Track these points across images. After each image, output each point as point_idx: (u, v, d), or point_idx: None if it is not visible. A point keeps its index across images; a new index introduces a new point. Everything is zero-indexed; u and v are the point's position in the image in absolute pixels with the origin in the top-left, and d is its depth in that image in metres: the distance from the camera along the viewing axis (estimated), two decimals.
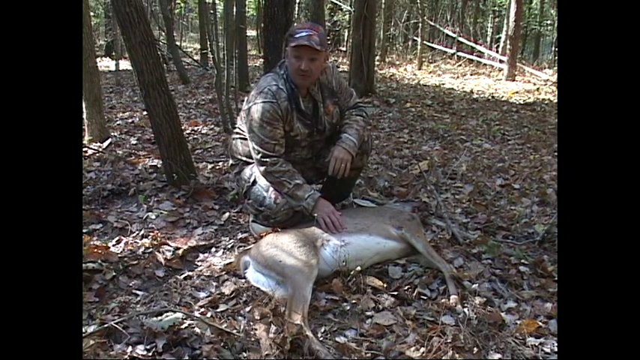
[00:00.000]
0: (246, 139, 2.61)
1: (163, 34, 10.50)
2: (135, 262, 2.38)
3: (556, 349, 1.77)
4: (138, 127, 5.35)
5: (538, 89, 9.25)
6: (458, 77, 10.97)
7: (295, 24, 2.46)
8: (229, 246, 2.62)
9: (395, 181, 3.61)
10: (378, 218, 2.47)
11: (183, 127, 3.73)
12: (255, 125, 2.43)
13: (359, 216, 2.51)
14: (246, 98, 2.71)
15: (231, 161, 2.88)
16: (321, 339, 1.85)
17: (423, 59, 12.83)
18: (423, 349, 1.77)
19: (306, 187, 2.45)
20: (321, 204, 2.42)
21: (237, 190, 3.14)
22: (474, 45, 13.90)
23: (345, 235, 2.33)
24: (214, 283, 2.26)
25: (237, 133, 2.74)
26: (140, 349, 1.76)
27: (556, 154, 4.36)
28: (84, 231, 2.69)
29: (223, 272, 2.35)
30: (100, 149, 4.22)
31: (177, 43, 10.56)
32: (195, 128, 5.23)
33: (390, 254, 2.39)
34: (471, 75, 11.38)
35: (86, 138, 4.43)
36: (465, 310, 1.99)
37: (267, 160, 2.43)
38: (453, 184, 3.61)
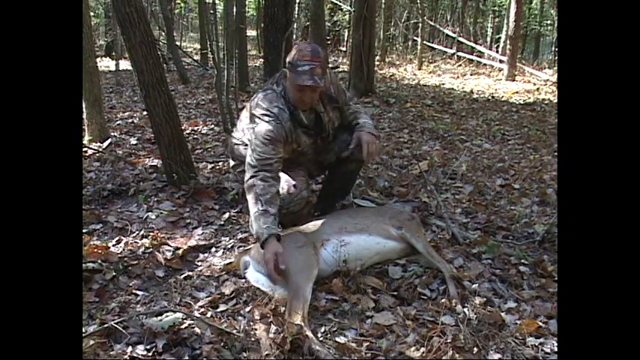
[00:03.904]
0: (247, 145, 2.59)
1: (163, 34, 10.50)
2: (135, 262, 2.38)
3: (556, 349, 1.77)
4: (138, 127, 5.34)
5: (538, 89, 9.25)
6: (458, 77, 10.97)
7: (296, 49, 2.42)
8: (229, 246, 2.62)
9: (395, 181, 3.61)
10: (378, 218, 2.47)
11: (183, 127, 3.74)
12: (257, 143, 2.39)
13: (359, 216, 2.51)
14: (245, 110, 2.70)
15: (232, 162, 2.89)
16: (321, 339, 1.85)
17: (423, 59, 12.83)
18: (423, 349, 1.78)
19: (273, 220, 2.27)
20: (273, 242, 2.20)
21: (237, 189, 3.14)
22: (474, 45, 13.90)
23: (345, 235, 2.32)
24: (214, 283, 2.26)
25: (238, 141, 2.73)
26: (140, 349, 1.76)
27: (556, 154, 4.36)
28: (84, 231, 2.69)
29: (223, 272, 2.35)
30: (100, 149, 4.22)
31: (177, 43, 10.55)
32: (195, 128, 5.23)
33: (390, 254, 2.39)
34: (471, 75, 11.38)
35: (86, 138, 4.43)
36: (465, 310, 1.99)
37: (260, 174, 2.34)
38: (453, 184, 3.61)
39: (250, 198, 2.31)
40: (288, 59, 2.42)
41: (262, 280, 2.19)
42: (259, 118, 2.43)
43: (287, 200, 2.54)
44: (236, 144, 2.76)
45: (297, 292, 2.01)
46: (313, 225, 2.43)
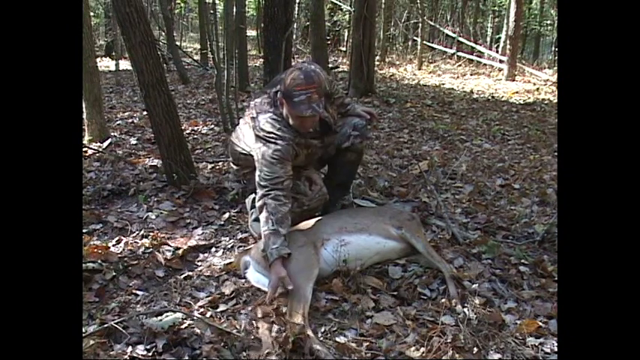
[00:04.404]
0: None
1: (163, 34, 10.49)
2: (135, 262, 2.38)
3: (556, 349, 1.77)
4: (138, 127, 5.34)
5: (538, 89, 9.24)
6: (458, 77, 10.97)
7: (289, 77, 2.36)
8: (229, 246, 2.63)
9: (395, 181, 3.61)
10: (378, 218, 2.47)
11: (183, 127, 3.74)
12: (265, 163, 2.37)
13: (359, 216, 2.51)
14: (244, 122, 2.68)
15: (234, 166, 2.89)
16: (321, 339, 1.85)
17: (423, 59, 12.82)
18: (423, 349, 1.78)
19: (283, 241, 2.22)
20: (279, 265, 2.15)
21: (237, 189, 3.14)
22: (474, 45, 13.89)
23: (345, 235, 2.32)
24: (214, 283, 2.26)
25: (243, 151, 2.71)
26: (140, 349, 1.76)
27: (556, 154, 4.36)
28: (84, 231, 2.69)
29: (223, 272, 2.35)
30: (100, 149, 4.22)
31: (177, 43, 10.55)
32: (195, 128, 5.23)
33: (390, 254, 2.39)
34: (471, 75, 11.37)
35: (86, 138, 4.43)
36: (465, 310, 1.99)
37: (272, 192, 2.31)
38: (453, 184, 3.61)
39: (262, 216, 2.29)
40: (281, 88, 2.38)
41: (263, 280, 2.20)
42: (265, 140, 2.40)
43: (309, 196, 2.57)
44: (242, 153, 2.74)
45: (297, 291, 2.01)
46: (313, 224, 2.43)
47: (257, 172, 2.39)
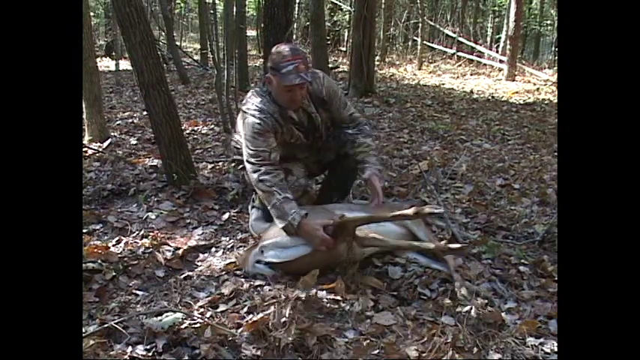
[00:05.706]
0: None
1: (163, 34, 10.50)
2: (135, 262, 2.38)
3: (556, 349, 1.77)
4: (138, 127, 5.34)
5: (538, 89, 9.24)
6: (458, 77, 10.97)
7: (275, 52, 2.43)
8: (229, 246, 2.62)
9: (395, 181, 3.61)
10: (379, 207, 2.51)
11: (183, 127, 3.74)
12: (248, 138, 2.42)
13: (360, 204, 2.61)
14: (238, 119, 2.71)
15: (232, 164, 2.90)
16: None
17: (423, 59, 12.82)
18: (423, 349, 1.77)
19: (294, 203, 2.31)
20: (306, 222, 2.26)
21: (237, 189, 3.14)
22: (474, 45, 13.90)
23: (346, 211, 2.35)
24: (214, 283, 2.26)
25: (238, 144, 2.72)
26: (140, 349, 1.76)
27: (556, 154, 4.35)
28: (84, 231, 2.69)
29: (223, 272, 2.35)
30: (100, 149, 4.22)
31: (177, 43, 10.55)
32: (195, 128, 5.23)
33: (389, 236, 2.37)
34: (471, 75, 11.37)
35: (86, 138, 4.42)
36: (465, 297, 2.00)
37: (262, 168, 2.35)
38: (453, 184, 3.61)
39: (263, 193, 2.34)
40: (269, 64, 2.43)
41: (290, 253, 2.25)
42: (246, 112, 2.46)
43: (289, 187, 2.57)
44: (236, 147, 2.76)
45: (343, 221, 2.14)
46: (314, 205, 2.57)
47: (244, 151, 2.45)
